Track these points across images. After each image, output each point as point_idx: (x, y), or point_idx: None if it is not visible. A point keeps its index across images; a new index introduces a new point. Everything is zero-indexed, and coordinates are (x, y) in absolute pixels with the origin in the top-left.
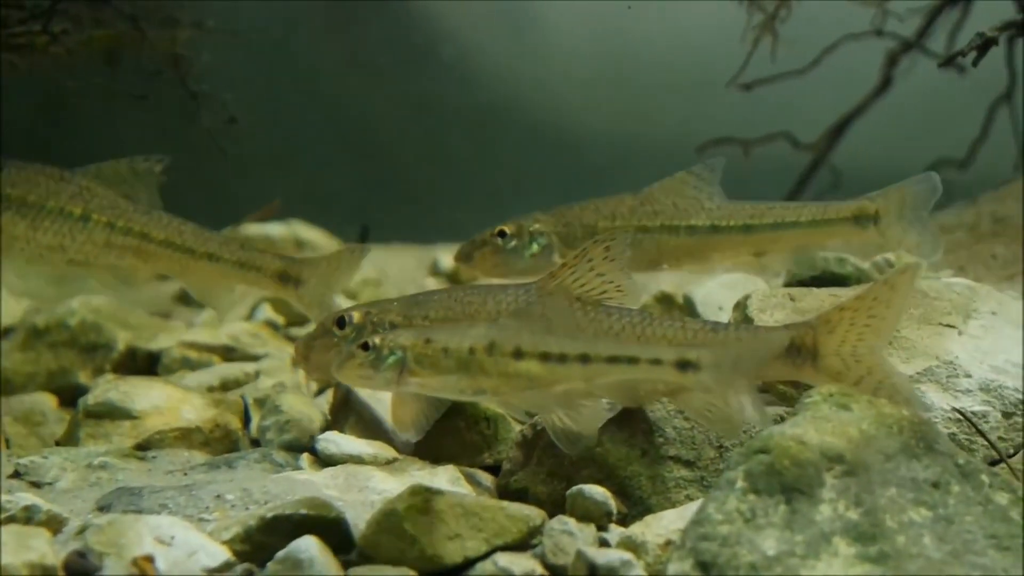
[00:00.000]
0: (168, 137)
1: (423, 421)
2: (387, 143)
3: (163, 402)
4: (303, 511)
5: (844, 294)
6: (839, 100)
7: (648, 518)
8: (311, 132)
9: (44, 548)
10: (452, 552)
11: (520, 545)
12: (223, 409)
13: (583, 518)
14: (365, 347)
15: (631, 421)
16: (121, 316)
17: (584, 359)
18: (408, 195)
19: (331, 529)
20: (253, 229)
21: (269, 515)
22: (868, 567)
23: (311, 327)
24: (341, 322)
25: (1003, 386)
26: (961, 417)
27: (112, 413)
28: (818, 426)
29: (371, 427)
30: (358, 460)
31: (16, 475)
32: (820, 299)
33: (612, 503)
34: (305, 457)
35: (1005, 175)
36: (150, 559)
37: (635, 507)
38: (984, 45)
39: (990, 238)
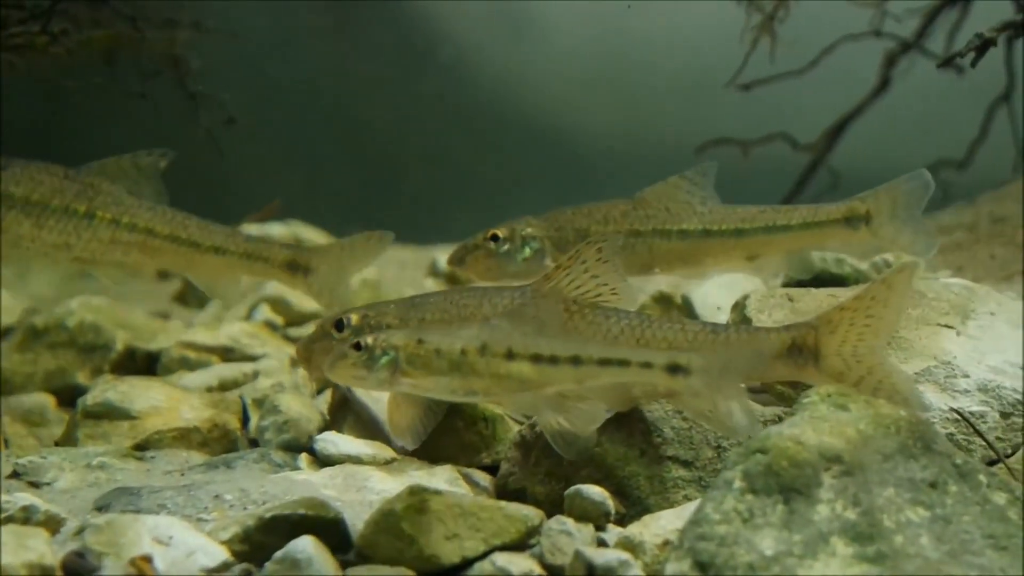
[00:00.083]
0: (167, 138)
1: (420, 428)
2: (386, 144)
3: (162, 402)
4: (301, 511)
5: (843, 294)
6: (838, 101)
7: (646, 518)
8: (310, 133)
9: (42, 548)
10: (450, 552)
11: (518, 545)
12: (221, 409)
13: (581, 518)
14: (358, 347)
15: (629, 421)
16: (120, 316)
17: (575, 361)
18: (407, 196)
19: (329, 529)
20: (253, 229)
21: (267, 515)
22: (866, 567)
23: (311, 327)
24: (339, 324)
25: (1001, 386)
26: (959, 417)
27: (111, 413)
28: (816, 426)
29: (369, 427)
30: (356, 460)
31: (15, 475)
32: (818, 300)
33: (610, 503)
34: (303, 457)
35: (1004, 176)
36: (148, 559)
37: (633, 507)
38: (983, 46)
39: (988, 239)
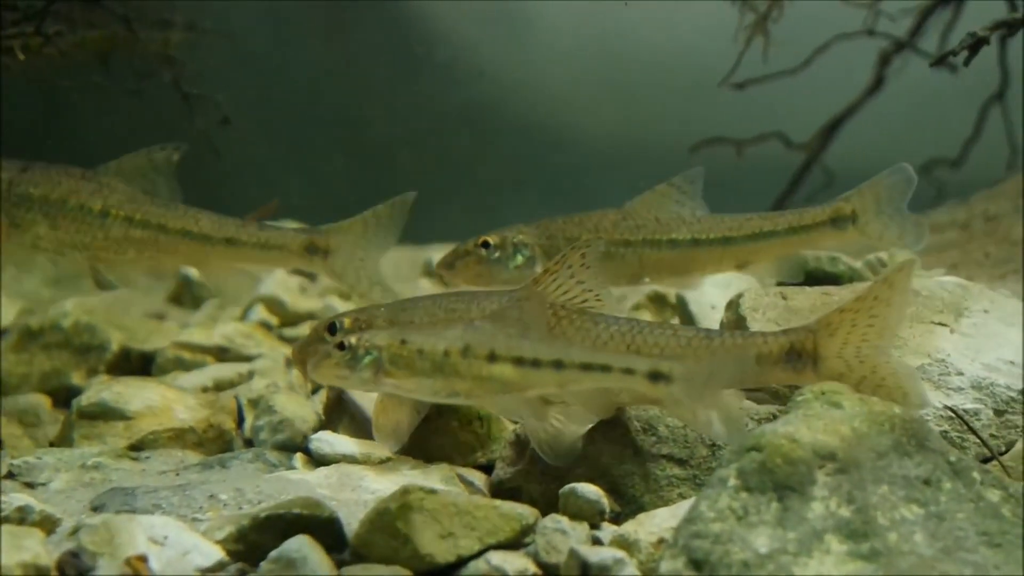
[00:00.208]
0: (165, 139)
1: (403, 432)
2: (382, 143)
3: (157, 403)
4: (296, 510)
5: (837, 292)
6: (832, 100)
7: (641, 516)
8: (306, 133)
9: (37, 548)
10: (445, 551)
11: (513, 544)
12: (217, 409)
13: (576, 516)
14: (341, 347)
15: (624, 420)
16: (115, 317)
17: (557, 365)
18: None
19: (324, 528)
20: None
21: (262, 515)
22: (860, 564)
23: (305, 328)
24: (332, 328)
25: (995, 384)
26: (953, 415)
27: (106, 414)
28: (810, 424)
29: (364, 427)
30: (351, 460)
31: (10, 476)
32: (812, 298)
33: (605, 501)
34: (298, 457)
35: (997, 174)
36: (143, 559)
37: (628, 505)
38: (976, 44)
39: (982, 237)
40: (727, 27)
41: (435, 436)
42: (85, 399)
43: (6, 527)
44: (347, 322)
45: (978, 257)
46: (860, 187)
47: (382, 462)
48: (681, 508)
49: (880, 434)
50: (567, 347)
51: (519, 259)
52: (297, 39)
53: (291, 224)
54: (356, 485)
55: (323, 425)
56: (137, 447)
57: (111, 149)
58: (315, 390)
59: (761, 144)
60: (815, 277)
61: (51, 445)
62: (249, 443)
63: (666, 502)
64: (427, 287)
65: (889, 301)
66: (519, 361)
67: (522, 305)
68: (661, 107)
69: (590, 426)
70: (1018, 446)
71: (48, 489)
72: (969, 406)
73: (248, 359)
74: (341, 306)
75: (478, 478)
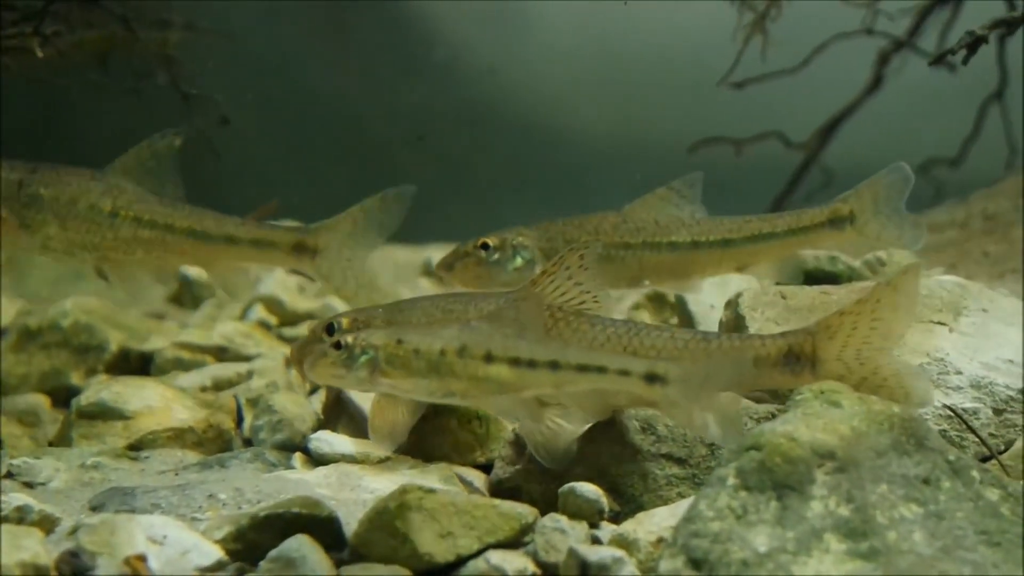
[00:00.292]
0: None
1: (400, 432)
2: (380, 143)
3: (156, 402)
4: (295, 510)
5: (835, 291)
6: (831, 99)
7: (640, 515)
8: (306, 133)
9: (37, 548)
10: (444, 550)
11: (512, 543)
12: (216, 409)
13: (575, 516)
14: (338, 346)
15: (623, 419)
16: (114, 317)
17: (553, 366)
18: None
19: (323, 528)
20: None
21: (262, 514)
22: (859, 563)
23: (304, 327)
24: (330, 328)
25: (994, 383)
26: (952, 414)
27: (105, 414)
28: (809, 423)
29: (363, 427)
30: (350, 459)
31: (9, 475)
32: (811, 297)
33: (604, 501)
34: (297, 456)
35: (996, 173)
36: (143, 558)
37: (627, 505)
38: (974, 43)
39: (981, 236)
40: (726, 26)
41: (434, 435)
42: (84, 399)
43: (5, 527)
44: (345, 322)
45: (977, 256)
46: (858, 187)
47: (381, 461)
48: (680, 507)
49: (879, 433)
50: (563, 348)
51: (518, 261)
52: (297, 39)
53: (291, 224)
54: (355, 484)
55: (322, 425)
56: (136, 447)
57: (110, 149)
58: (314, 390)
59: (760, 143)
60: (814, 276)
61: (50, 445)
62: (248, 443)
63: (665, 501)
64: (426, 287)
65: (894, 305)
66: (515, 362)
67: (519, 306)
68: (661, 107)
69: (586, 428)
70: (1017, 445)
71: (47, 489)
72: (968, 405)
73: (247, 359)
74: (340, 306)
75: (477, 477)
